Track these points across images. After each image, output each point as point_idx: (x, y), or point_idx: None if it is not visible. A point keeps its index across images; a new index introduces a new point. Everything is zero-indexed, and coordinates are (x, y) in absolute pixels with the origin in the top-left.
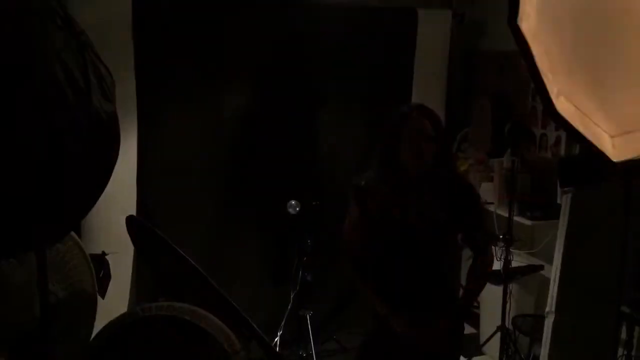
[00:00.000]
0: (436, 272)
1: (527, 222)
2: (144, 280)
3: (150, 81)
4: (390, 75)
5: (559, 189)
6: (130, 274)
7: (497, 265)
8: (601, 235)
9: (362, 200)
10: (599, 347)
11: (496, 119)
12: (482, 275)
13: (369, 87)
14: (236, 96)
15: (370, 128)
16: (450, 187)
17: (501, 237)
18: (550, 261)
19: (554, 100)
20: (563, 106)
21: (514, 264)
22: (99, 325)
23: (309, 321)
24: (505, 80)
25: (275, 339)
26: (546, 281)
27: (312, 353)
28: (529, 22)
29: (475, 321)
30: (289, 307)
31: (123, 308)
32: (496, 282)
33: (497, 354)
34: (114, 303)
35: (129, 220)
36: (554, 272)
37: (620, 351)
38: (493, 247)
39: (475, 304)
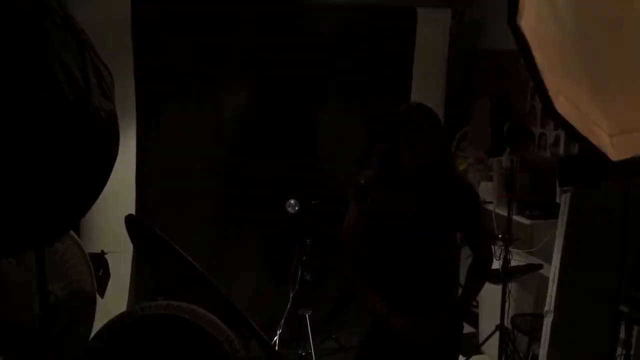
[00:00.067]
0: (435, 271)
1: (526, 222)
2: (143, 279)
3: (150, 81)
4: (389, 75)
5: (558, 188)
6: (129, 273)
7: (496, 264)
8: (600, 235)
9: (361, 200)
10: (597, 346)
11: (495, 119)
12: (482, 274)
13: (369, 87)
14: (235, 96)
15: (370, 127)
16: (449, 186)
17: (500, 236)
18: (549, 260)
19: (553, 100)
20: (562, 105)
21: (513, 263)
22: (98, 324)
23: (308, 320)
24: (504, 79)
25: (275, 338)
26: (545, 280)
27: (312, 352)
28: (528, 21)
29: (474, 320)
30: (288, 306)
31: (122, 307)
32: (495, 281)
33: (496, 353)
34: (113, 302)
35: (128, 219)
36: (552, 272)
37: (618, 350)
38: (492, 246)
39: (474, 303)
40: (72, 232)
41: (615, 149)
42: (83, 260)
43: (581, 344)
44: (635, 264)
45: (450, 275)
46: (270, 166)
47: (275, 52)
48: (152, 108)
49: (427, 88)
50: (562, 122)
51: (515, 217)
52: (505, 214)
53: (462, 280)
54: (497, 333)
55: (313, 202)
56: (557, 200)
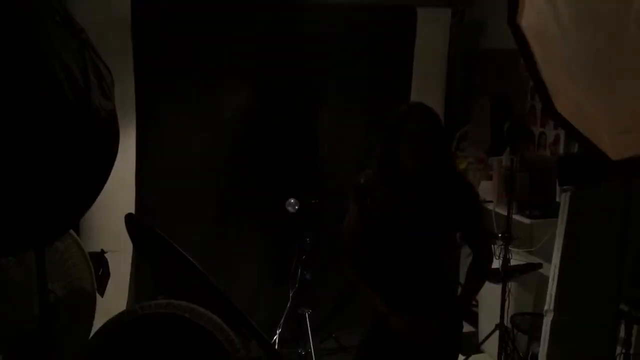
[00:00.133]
0: (435, 271)
1: (526, 221)
2: (143, 279)
3: (150, 81)
4: (389, 74)
5: (557, 187)
6: (129, 272)
7: (496, 263)
8: (600, 234)
9: (361, 199)
10: (597, 345)
11: (495, 118)
12: (481, 273)
13: (368, 86)
14: (235, 96)
15: (370, 127)
16: (449, 185)
17: (500, 235)
18: (549, 259)
19: (553, 99)
20: (562, 105)
21: (513, 262)
22: (98, 323)
23: (308, 320)
24: (504, 79)
25: (275, 338)
26: (545, 279)
27: (311, 351)
28: (528, 21)
29: (473, 319)
30: (288, 305)
31: (122, 306)
32: (495, 281)
33: (496, 352)
34: (113, 301)
35: (128, 218)
36: (552, 271)
37: (618, 349)
38: (492, 246)
39: (474, 302)
40: (71, 231)
41: (615, 149)
42: (83, 260)
43: (581, 343)
44: (635, 263)
45: (450, 275)
46: (270, 166)
47: (275, 52)
48: (152, 108)
49: (427, 88)
50: (562, 122)
51: (515, 217)
52: (505, 213)
53: (462, 279)
54: (497, 332)
55: (313, 201)
56: (557, 200)
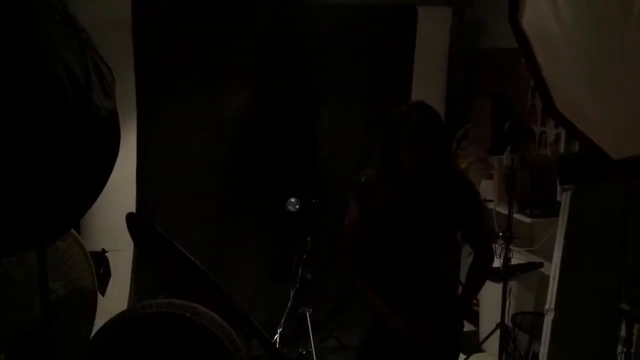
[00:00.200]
0: (435, 271)
1: (527, 220)
2: (144, 278)
3: (150, 80)
4: (389, 74)
5: (558, 186)
6: (129, 272)
7: (496, 262)
8: (601, 233)
9: (362, 199)
10: (598, 345)
11: (496, 117)
12: (482, 272)
13: (369, 86)
14: (236, 95)
15: (370, 126)
16: (450, 185)
17: (501, 234)
18: (549, 259)
19: (554, 98)
20: (563, 104)
21: (514, 261)
22: (99, 322)
23: (308, 319)
24: (505, 78)
25: (275, 337)
26: (546, 279)
27: (312, 350)
28: (529, 19)
29: (474, 318)
30: (289, 304)
31: (123, 305)
32: (496, 280)
33: (497, 352)
34: (114, 300)
35: (129, 217)
36: (553, 270)
37: (619, 348)
38: (493, 245)
39: (475, 301)
40: (73, 231)
41: (615, 148)
42: (84, 259)
43: (582, 342)
44: (635, 262)
45: (450, 275)
46: (270, 165)
47: (275, 52)
48: (152, 107)
49: (427, 87)
50: (562, 120)
51: (516, 216)
52: (506, 212)
53: (463, 278)
54: (498, 331)
55: (314, 200)
56: (558, 199)
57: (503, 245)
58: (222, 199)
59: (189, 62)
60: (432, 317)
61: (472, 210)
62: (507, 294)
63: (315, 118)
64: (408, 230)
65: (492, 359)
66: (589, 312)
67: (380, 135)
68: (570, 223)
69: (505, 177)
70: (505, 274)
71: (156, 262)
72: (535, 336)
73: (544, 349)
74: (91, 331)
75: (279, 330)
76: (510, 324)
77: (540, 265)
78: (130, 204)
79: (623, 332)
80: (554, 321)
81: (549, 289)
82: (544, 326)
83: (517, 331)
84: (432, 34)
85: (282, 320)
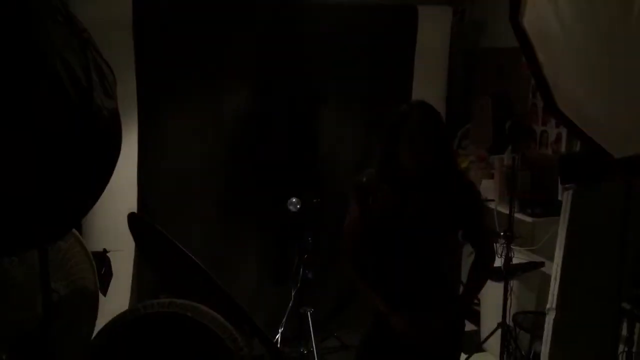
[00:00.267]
0: (436, 271)
1: (528, 219)
2: (146, 278)
3: (151, 80)
4: (390, 73)
5: (559, 185)
6: (131, 271)
7: (497, 262)
8: (602, 232)
9: (362, 199)
10: (599, 344)
11: (496, 117)
12: (483, 272)
13: (369, 86)
14: (236, 95)
15: (370, 126)
16: (450, 185)
17: (502, 234)
18: (551, 258)
19: (555, 97)
20: (564, 103)
21: (515, 260)
22: (100, 322)
23: (310, 318)
24: (505, 78)
25: (277, 336)
26: (547, 278)
27: (313, 350)
28: (530, 19)
29: (476, 318)
30: (290, 304)
31: (124, 305)
32: (497, 279)
33: (498, 351)
34: (115, 300)
35: (131, 217)
36: (554, 269)
37: (620, 348)
38: (494, 244)
39: (476, 301)
40: (74, 231)
41: (617, 147)
42: (86, 259)
43: (583, 342)
44: (636, 261)
45: (451, 275)
46: (270, 165)
47: (275, 52)
48: (153, 107)
49: (427, 87)
50: (564, 120)
51: (517, 215)
52: (507, 211)
53: (464, 278)
54: (499, 331)
55: (314, 200)
56: (559, 198)
57: (504, 245)
58: (223, 198)
59: (190, 62)
60: (433, 317)
61: (473, 210)
62: (508, 293)
63: (315, 118)
64: (408, 230)
65: (494, 358)
66: (591, 311)
67: (381, 135)
68: (572, 222)
69: (506, 177)
70: (507, 274)
71: (157, 262)
72: (537, 335)
73: (545, 349)
74: (93, 331)
75: (280, 330)
76: (511, 324)
77: (542, 264)
78: (131, 204)
79: (624, 332)
80: (555, 320)
81: (550, 289)
82: (545, 325)
83: (519, 331)
84: (433, 33)
85: (284, 320)
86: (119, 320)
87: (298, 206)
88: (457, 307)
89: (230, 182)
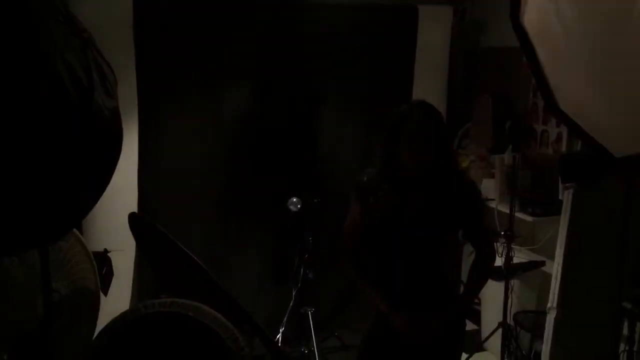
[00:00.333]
0: (436, 271)
1: (529, 218)
2: (146, 278)
3: (151, 80)
4: (390, 73)
5: (560, 185)
6: (132, 271)
7: (498, 261)
8: (602, 231)
9: (363, 199)
10: (600, 343)
11: (497, 116)
12: (484, 271)
13: (370, 85)
14: (236, 95)
15: (371, 126)
16: (451, 184)
17: (502, 233)
18: (551, 257)
19: (556, 96)
20: (565, 102)
21: (516, 260)
22: (101, 322)
23: (310, 318)
24: (505, 77)
25: (277, 336)
26: (547, 277)
27: (314, 350)
28: (530, 18)
29: (476, 318)
30: (291, 304)
31: (125, 305)
32: (497, 279)
33: (499, 350)
34: (116, 300)
35: (132, 217)
36: (555, 268)
37: (621, 347)
38: (494, 244)
39: (477, 300)
40: (75, 230)
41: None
42: (86, 259)
43: (584, 341)
44: (637, 260)
45: (451, 274)
46: (271, 164)
47: (275, 52)
48: (153, 107)
49: (428, 86)
50: (564, 119)
51: (518, 214)
52: (508, 211)
53: (464, 277)
54: (500, 330)
55: (315, 200)
56: (560, 197)
57: (505, 244)
58: (223, 198)
59: (190, 62)
60: (433, 317)
61: (474, 210)
62: (509, 292)
63: (315, 118)
64: (409, 229)
65: (494, 357)
66: (591, 310)
67: (381, 135)
68: (572, 222)
69: (506, 176)
70: (507, 273)
71: (158, 261)
72: (538, 335)
73: (546, 348)
74: (94, 331)
75: (280, 330)
76: (512, 323)
77: (542, 263)
78: (132, 204)
79: (625, 331)
80: (556, 320)
81: (551, 288)
82: (546, 325)
83: (519, 330)
84: (433, 33)
85: (284, 320)
86: (120, 320)
87: (298, 206)
88: (458, 306)
89: (230, 182)
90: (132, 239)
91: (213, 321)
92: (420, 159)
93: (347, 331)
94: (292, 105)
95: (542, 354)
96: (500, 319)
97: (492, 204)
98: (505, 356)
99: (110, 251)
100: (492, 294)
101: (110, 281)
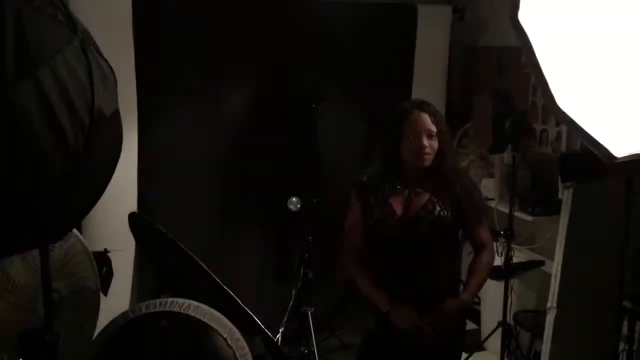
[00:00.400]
0: (436, 270)
1: (528, 218)
2: (146, 277)
3: (151, 80)
4: (390, 72)
5: (560, 184)
6: (132, 271)
7: (498, 261)
8: (602, 231)
9: (363, 199)
10: (600, 342)
11: (496, 115)
12: (484, 271)
13: (369, 84)
14: (236, 94)
15: (371, 124)
16: (451, 183)
17: (502, 232)
18: (551, 257)
19: (556, 96)
20: (565, 102)
21: (515, 259)
22: (101, 322)
23: (310, 318)
24: (505, 76)
25: (277, 336)
26: (547, 277)
27: (314, 349)
28: (530, 16)
29: (476, 317)
30: (291, 303)
31: (125, 305)
32: (497, 278)
33: (499, 350)
34: (116, 300)
35: (131, 216)
36: (555, 268)
37: (621, 346)
38: (494, 243)
39: (476, 299)
40: (75, 230)
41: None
42: (87, 259)
43: (584, 340)
44: (637, 259)
45: (452, 274)
46: (271, 163)
47: (275, 50)
48: (153, 107)
49: (427, 85)
50: (564, 118)
51: (517, 214)
52: (507, 210)
53: (464, 277)
54: (500, 330)
55: (315, 199)
56: (559, 197)
57: (504, 244)
58: (223, 198)
59: (190, 62)
60: (433, 316)
61: (473, 209)
62: (509, 292)
63: (315, 115)
64: (409, 229)
65: (494, 357)
66: (591, 309)
67: (381, 134)
68: (572, 221)
69: (506, 175)
70: (507, 272)
71: (158, 261)
72: (537, 334)
73: (545, 347)
74: (94, 331)
75: (280, 330)
76: (512, 322)
77: (542, 263)
78: (131, 204)
79: (625, 330)
80: (555, 319)
81: (551, 287)
82: (546, 324)
83: (519, 329)
84: (433, 32)
85: (284, 320)
86: (120, 320)
87: (298, 206)
88: (457, 306)
89: (230, 182)
90: (132, 239)
91: (213, 320)
92: (422, 155)
93: (347, 331)
94: (292, 103)
95: (542, 353)
96: (500, 318)
97: (492, 204)
98: (505, 356)
99: (110, 251)
100: (492, 293)
101: (110, 281)
